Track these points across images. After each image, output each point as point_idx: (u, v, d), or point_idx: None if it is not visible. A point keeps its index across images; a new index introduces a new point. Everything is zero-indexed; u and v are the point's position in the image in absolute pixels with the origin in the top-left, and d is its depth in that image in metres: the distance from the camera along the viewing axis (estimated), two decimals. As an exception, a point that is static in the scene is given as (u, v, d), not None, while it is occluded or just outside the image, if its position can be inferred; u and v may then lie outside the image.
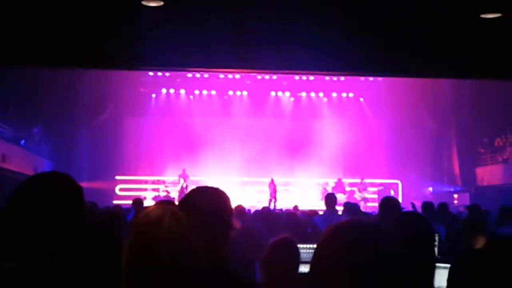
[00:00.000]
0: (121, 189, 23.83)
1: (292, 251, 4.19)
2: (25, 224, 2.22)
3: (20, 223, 2.22)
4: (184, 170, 23.30)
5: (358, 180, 24.10)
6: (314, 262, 1.74)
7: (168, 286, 2.21)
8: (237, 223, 4.82)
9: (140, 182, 24.76)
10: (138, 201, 10.90)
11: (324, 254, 1.73)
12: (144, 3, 8.12)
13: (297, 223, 8.69)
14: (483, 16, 8.46)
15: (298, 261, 4.22)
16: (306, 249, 5.09)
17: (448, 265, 4.31)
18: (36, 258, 2.19)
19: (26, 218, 2.22)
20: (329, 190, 21.74)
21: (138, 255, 2.20)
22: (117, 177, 24.18)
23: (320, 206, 15.54)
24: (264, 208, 10.93)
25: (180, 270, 2.22)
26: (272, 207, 20.68)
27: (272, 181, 22.58)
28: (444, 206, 10.49)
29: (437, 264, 3.53)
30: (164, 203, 2.92)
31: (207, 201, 2.75)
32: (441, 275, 3.82)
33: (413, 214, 4.21)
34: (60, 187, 2.34)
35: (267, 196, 22.38)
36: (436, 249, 3.65)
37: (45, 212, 2.24)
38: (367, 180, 24.10)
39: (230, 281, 2.67)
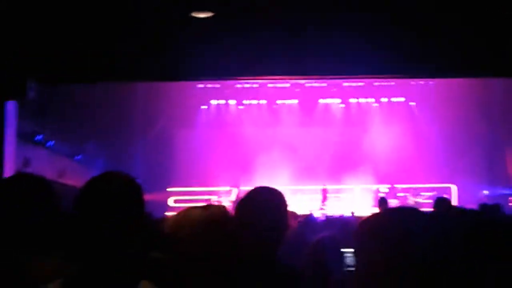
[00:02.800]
0: (174, 201, 24.04)
1: (332, 248, 4.19)
2: (93, 221, 2.29)
3: (87, 221, 2.29)
4: (235, 181, 23.38)
5: (410, 186, 23.80)
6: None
7: (228, 282, 2.28)
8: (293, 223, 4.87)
9: (192, 193, 24.93)
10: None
11: (358, 244, 1.71)
12: (193, 14, 8.26)
13: (343, 227, 8.67)
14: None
15: (340, 258, 4.21)
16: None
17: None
18: (107, 258, 2.25)
19: (93, 216, 2.29)
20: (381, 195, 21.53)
21: (202, 251, 2.27)
22: (169, 189, 24.39)
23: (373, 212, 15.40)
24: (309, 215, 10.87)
25: (223, 261, 2.29)
26: (321, 214, 20.61)
27: (325, 188, 22.51)
28: (497, 207, 10.32)
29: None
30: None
31: (266, 200, 2.80)
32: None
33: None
34: (123, 186, 2.41)
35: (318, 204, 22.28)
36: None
37: (112, 210, 2.30)
38: (419, 185, 23.76)
39: (282, 275, 2.71)
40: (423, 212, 1.65)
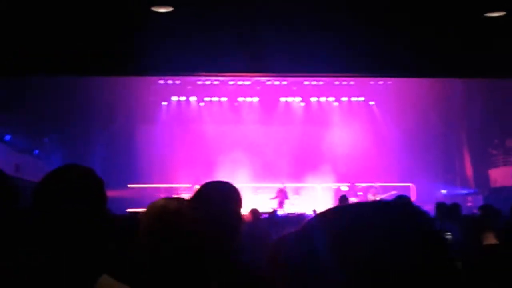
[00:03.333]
0: (134, 197, 23.83)
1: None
2: (52, 215, 2.25)
3: (46, 215, 2.26)
4: (195, 177, 23.34)
5: (370, 184, 24.05)
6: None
7: (186, 273, 2.27)
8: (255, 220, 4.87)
9: (152, 190, 24.80)
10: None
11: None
12: (153, 9, 8.20)
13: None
14: (487, 15, 8.49)
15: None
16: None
17: (460, 263, 4.35)
18: (64, 250, 2.22)
19: (52, 210, 2.26)
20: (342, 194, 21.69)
21: (158, 243, 2.26)
22: (130, 185, 24.22)
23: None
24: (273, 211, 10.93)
25: (198, 257, 2.28)
26: (283, 212, 20.71)
27: (285, 187, 22.58)
28: (456, 206, 10.47)
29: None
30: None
31: (219, 194, 2.80)
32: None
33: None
34: (83, 178, 2.38)
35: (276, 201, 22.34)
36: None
37: (71, 204, 2.27)
38: (379, 184, 24.04)
39: (240, 273, 2.70)
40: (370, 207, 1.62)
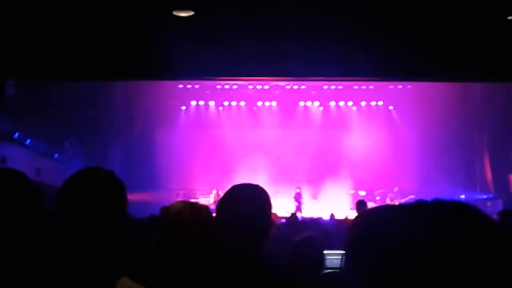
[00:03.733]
0: (153, 201, 23.87)
1: (314, 248, 4.20)
2: (74, 219, 2.28)
3: (69, 219, 2.29)
4: (214, 182, 23.40)
5: (388, 189, 23.96)
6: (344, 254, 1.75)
7: (193, 273, 2.30)
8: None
9: (171, 194, 24.90)
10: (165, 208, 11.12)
11: (348, 244, 1.73)
12: (175, 13, 8.24)
13: (322, 229, 8.72)
14: (510, 17, 8.45)
15: (321, 259, 4.23)
16: (335, 255, 5.12)
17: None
18: (85, 253, 2.25)
19: (74, 214, 2.29)
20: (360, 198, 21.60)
21: (163, 245, 2.30)
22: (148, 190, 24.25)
23: (351, 215, 15.52)
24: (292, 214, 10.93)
25: (203, 258, 2.31)
26: (300, 216, 20.71)
27: (300, 190, 22.59)
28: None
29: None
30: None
31: (250, 197, 2.77)
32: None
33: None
34: (104, 182, 2.41)
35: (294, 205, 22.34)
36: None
37: (92, 208, 2.30)
38: (397, 189, 23.94)
39: (267, 277, 2.68)
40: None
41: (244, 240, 2.65)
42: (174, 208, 2.47)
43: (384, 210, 1.74)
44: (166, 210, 2.47)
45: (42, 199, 2.70)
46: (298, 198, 22.55)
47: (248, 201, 2.76)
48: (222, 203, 2.81)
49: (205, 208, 2.56)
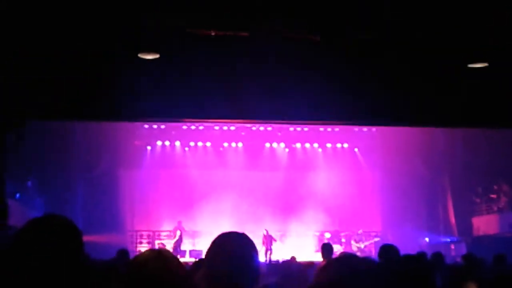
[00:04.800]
0: (116, 242, 23.51)
1: None
2: (28, 268, 2.24)
3: (22, 268, 2.25)
4: (179, 223, 23.22)
5: (354, 231, 24.03)
6: None
7: None
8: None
9: (135, 235, 24.62)
10: (122, 252, 11.04)
11: None
12: (140, 55, 8.26)
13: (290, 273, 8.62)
14: (470, 65, 8.65)
15: None
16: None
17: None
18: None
19: (28, 262, 2.25)
20: (326, 241, 21.60)
21: None
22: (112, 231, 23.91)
23: (316, 257, 15.46)
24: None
25: None
26: (267, 259, 20.60)
27: (267, 232, 22.50)
28: (438, 255, 10.45)
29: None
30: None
31: (239, 247, 2.71)
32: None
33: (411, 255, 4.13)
34: (58, 230, 2.37)
35: (263, 248, 22.22)
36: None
37: (47, 255, 2.27)
38: (362, 231, 24.03)
39: None
40: (374, 265, 1.73)
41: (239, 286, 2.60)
42: (140, 257, 2.43)
43: (348, 262, 1.76)
44: (132, 261, 2.43)
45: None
46: (266, 240, 22.43)
47: (237, 251, 2.69)
48: (210, 254, 2.73)
49: (171, 256, 2.52)
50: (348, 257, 1.80)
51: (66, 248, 2.35)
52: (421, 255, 10.01)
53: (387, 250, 6.28)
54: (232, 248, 2.69)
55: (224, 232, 2.82)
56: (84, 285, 2.46)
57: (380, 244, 6.94)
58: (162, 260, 2.40)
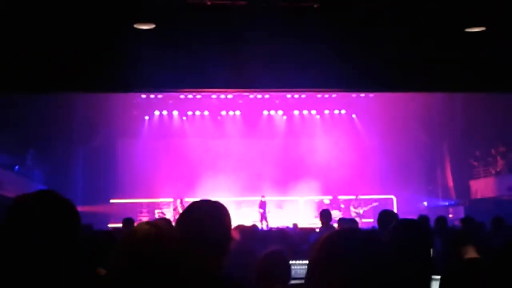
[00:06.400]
0: (116, 212, 23.62)
1: (281, 262, 4.25)
2: (22, 243, 2.23)
3: (16, 243, 2.24)
4: (178, 192, 23.27)
5: (353, 197, 24.14)
6: (307, 273, 1.77)
7: None
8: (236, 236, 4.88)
9: (135, 205, 24.72)
10: (128, 221, 10.85)
11: (315, 265, 1.74)
12: (136, 26, 8.22)
13: (287, 239, 8.71)
14: (468, 30, 8.62)
15: (288, 273, 4.27)
16: (300, 265, 5.15)
17: (439, 277, 4.37)
18: (34, 276, 2.21)
19: (22, 238, 2.24)
20: (325, 207, 21.70)
21: (126, 271, 2.26)
22: (112, 201, 24.07)
23: (316, 223, 15.60)
24: (253, 226, 10.87)
25: (171, 283, 2.29)
26: (264, 227, 20.74)
27: (263, 201, 22.63)
28: (442, 220, 10.50)
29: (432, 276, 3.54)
30: (158, 220, 2.94)
31: (208, 213, 2.81)
32: (434, 287, 3.86)
33: (409, 221, 4.16)
34: (51, 205, 2.34)
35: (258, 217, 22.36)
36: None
37: (41, 231, 2.25)
38: (361, 197, 24.14)
39: None
40: (377, 237, 1.75)
41: (204, 255, 2.66)
42: (139, 232, 2.43)
43: (350, 233, 1.78)
44: (130, 234, 2.43)
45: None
46: (263, 206, 22.58)
47: (206, 216, 2.79)
48: (180, 219, 2.84)
49: (169, 230, 2.54)
50: (347, 231, 1.82)
51: (62, 224, 2.33)
52: (423, 219, 10.11)
53: (385, 216, 6.31)
54: (194, 215, 2.80)
55: (196, 201, 2.95)
56: (79, 264, 2.47)
57: (379, 210, 6.96)
58: (158, 239, 2.39)
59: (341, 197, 24.62)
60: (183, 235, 2.71)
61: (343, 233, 1.80)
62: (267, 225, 21.30)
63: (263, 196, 22.77)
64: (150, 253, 2.29)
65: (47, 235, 2.26)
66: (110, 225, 19.93)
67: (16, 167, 20.58)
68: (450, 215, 22.90)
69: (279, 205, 24.46)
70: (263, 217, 22.29)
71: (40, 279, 2.21)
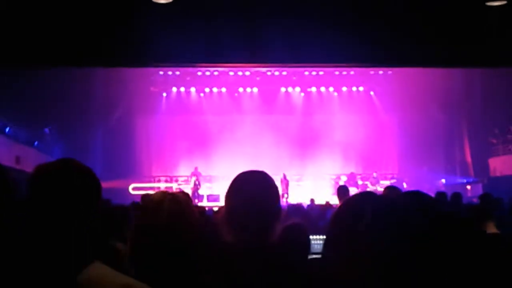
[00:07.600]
0: (134, 188, 23.81)
1: (302, 234, 4.24)
2: (46, 213, 2.25)
3: (40, 213, 2.25)
4: (196, 168, 23.35)
5: (371, 174, 24.11)
6: (326, 236, 1.78)
7: (172, 263, 2.32)
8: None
9: (153, 180, 24.88)
10: (146, 197, 10.95)
11: (335, 226, 1.76)
12: (153, 0, 8.20)
13: (303, 215, 8.72)
14: (488, 4, 8.50)
15: (308, 246, 4.26)
16: (317, 240, 5.15)
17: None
18: (56, 243, 2.22)
19: (44, 205, 2.25)
20: (342, 183, 21.70)
21: (142, 235, 2.32)
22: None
23: (333, 200, 15.60)
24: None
25: (183, 247, 2.33)
26: (284, 202, 20.78)
27: (284, 176, 22.63)
28: (457, 195, 10.45)
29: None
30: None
31: (258, 182, 2.76)
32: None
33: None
34: (73, 173, 2.35)
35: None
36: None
37: (63, 198, 2.26)
38: (378, 173, 24.10)
39: (278, 261, 2.63)
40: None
41: (259, 224, 2.63)
42: (154, 197, 2.48)
43: (365, 199, 1.80)
44: (146, 199, 2.48)
45: (16, 190, 2.65)
46: (283, 184, 22.62)
47: (260, 186, 2.75)
48: (233, 190, 2.78)
49: (184, 198, 2.56)
50: (368, 192, 1.85)
51: (84, 192, 2.34)
52: (441, 195, 10.07)
53: (391, 191, 6.27)
54: (249, 187, 2.73)
55: (244, 171, 2.88)
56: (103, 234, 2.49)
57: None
58: (175, 199, 2.44)
59: (358, 174, 24.59)
60: (232, 208, 2.68)
61: (363, 194, 1.83)
62: (287, 201, 21.35)
63: (283, 174, 22.75)
64: (167, 210, 2.34)
65: (69, 202, 2.28)
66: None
67: (36, 142, 20.76)
68: (469, 194, 22.80)
69: (297, 181, 24.48)
70: (285, 192, 22.33)
71: (61, 246, 2.22)
